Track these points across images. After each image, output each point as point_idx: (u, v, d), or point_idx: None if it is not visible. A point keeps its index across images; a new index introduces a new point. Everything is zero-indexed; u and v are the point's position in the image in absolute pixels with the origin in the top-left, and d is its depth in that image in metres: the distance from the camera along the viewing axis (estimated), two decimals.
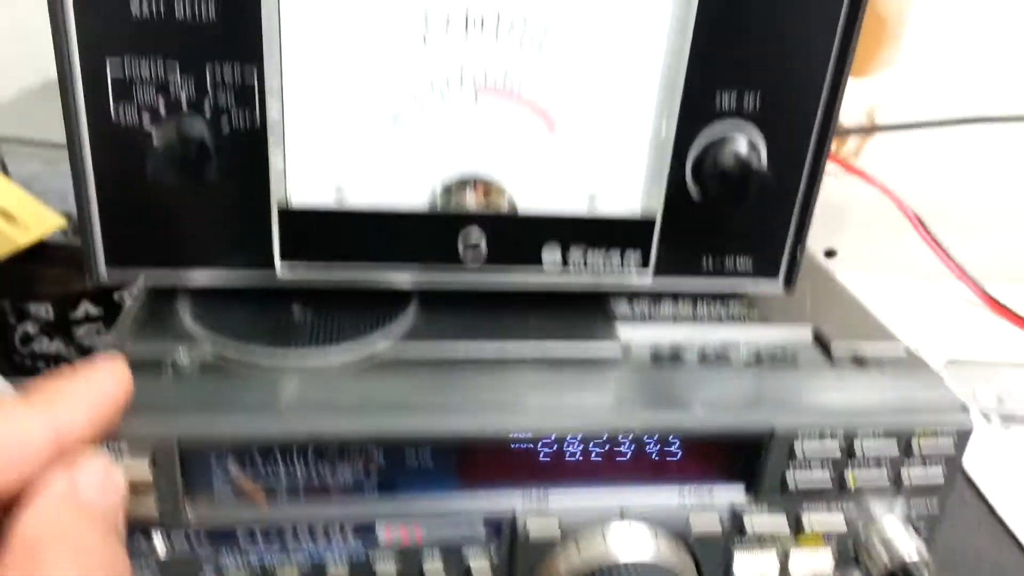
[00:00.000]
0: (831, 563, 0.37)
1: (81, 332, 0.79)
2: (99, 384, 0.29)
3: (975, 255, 0.78)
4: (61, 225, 0.81)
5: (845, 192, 0.92)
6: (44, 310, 0.92)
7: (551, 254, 0.36)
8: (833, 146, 0.91)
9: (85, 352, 0.70)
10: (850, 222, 0.94)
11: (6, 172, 0.82)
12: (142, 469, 0.30)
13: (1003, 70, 0.82)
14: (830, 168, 0.90)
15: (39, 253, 0.88)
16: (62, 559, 0.24)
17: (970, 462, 0.53)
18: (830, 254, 0.92)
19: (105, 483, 0.28)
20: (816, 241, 0.38)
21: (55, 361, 0.77)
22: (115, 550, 0.26)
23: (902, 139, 0.87)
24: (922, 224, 0.75)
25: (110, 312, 0.74)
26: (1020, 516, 0.48)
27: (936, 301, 0.77)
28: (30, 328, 0.93)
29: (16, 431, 0.26)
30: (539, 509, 0.34)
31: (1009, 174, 0.88)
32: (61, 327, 0.91)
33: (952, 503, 0.44)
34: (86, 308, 0.87)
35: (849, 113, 0.86)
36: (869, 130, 0.85)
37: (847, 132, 0.89)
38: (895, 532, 0.36)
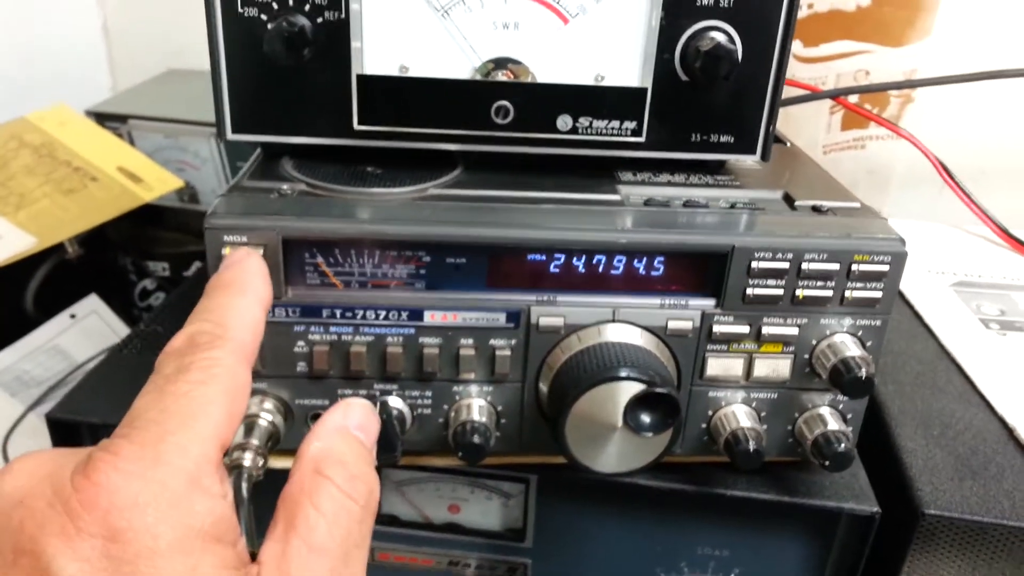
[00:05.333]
0: (789, 367, 0.45)
1: None
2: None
3: (1008, 208, 0.83)
4: (179, 185, 0.96)
5: (888, 158, 0.99)
6: (162, 268, 1.07)
7: (564, 120, 0.46)
8: (875, 109, 0.99)
9: None
10: (892, 185, 1.01)
11: (132, 143, 0.97)
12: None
13: None
14: (874, 130, 0.97)
15: (158, 218, 1.03)
16: (338, 476, 0.31)
17: (965, 358, 0.60)
18: None
19: (368, 420, 0.34)
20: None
21: None
22: (373, 474, 0.32)
23: (939, 103, 0.93)
24: (946, 170, 0.81)
25: None
26: (1003, 397, 0.55)
27: (960, 240, 0.83)
28: (148, 284, 1.08)
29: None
30: (549, 307, 0.44)
31: None
32: (176, 283, 1.06)
33: (944, 386, 0.53)
34: (198, 266, 1.02)
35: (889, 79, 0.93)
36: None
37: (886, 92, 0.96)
38: (840, 339, 0.44)
